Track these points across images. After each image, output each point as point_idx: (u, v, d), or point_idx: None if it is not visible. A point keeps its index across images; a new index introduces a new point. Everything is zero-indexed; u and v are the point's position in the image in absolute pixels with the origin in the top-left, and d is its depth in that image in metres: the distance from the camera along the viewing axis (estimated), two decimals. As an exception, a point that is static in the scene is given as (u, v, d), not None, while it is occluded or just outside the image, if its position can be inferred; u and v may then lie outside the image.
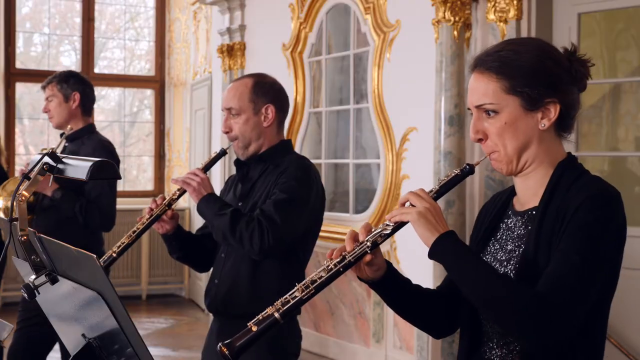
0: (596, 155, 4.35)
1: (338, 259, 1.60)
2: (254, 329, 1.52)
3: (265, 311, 1.54)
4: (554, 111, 1.60)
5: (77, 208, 3.60)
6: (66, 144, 3.80)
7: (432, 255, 1.59)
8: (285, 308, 1.54)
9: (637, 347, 3.93)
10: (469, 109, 1.67)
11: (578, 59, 1.64)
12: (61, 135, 3.83)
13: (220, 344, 1.50)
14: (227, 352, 1.49)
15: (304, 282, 1.58)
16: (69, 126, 3.79)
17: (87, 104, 3.86)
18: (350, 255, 1.60)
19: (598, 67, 4.33)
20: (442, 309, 1.78)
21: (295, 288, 1.57)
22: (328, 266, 1.59)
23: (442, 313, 1.78)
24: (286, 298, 1.56)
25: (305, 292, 1.56)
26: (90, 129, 3.85)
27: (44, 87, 3.88)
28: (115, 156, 3.76)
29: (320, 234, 2.75)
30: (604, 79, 4.31)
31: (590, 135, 4.40)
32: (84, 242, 3.49)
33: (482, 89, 1.62)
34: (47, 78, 3.93)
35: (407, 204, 1.62)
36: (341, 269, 1.59)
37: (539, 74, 1.59)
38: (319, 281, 1.57)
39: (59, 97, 3.81)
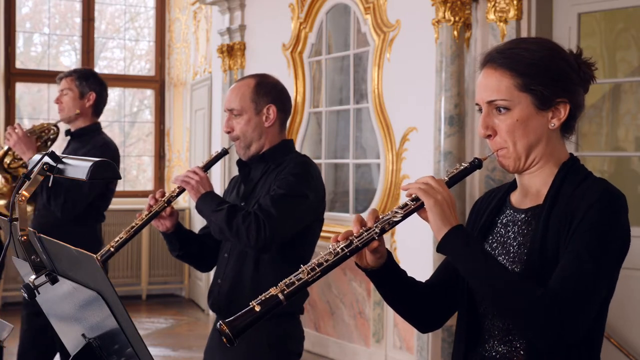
0: (597, 155, 4.35)
1: (345, 243, 1.58)
2: (257, 308, 1.49)
3: (269, 291, 1.52)
4: (563, 111, 1.61)
5: (45, 183, 3.55)
6: (70, 141, 3.83)
7: (440, 248, 1.58)
8: (290, 290, 1.52)
9: (637, 347, 3.93)
10: (477, 104, 1.67)
11: (584, 61, 1.66)
12: (67, 132, 3.85)
13: (220, 321, 1.47)
14: (227, 331, 1.47)
15: (309, 264, 1.55)
16: (70, 127, 3.81)
17: (99, 106, 3.87)
18: (358, 240, 1.58)
19: (598, 67, 4.33)
20: (432, 303, 1.77)
21: (301, 270, 1.54)
22: (335, 249, 1.57)
23: (431, 307, 1.78)
24: (291, 279, 1.53)
25: (311, 274, 1.53)
26: (95, 127, 3.85)
27: (60, 79, 3.85)
28: (111, 156, 3.69)
29: (321, 233, 2.75)
30: (604, 79, 4.31)
31: (590, 135, 4.40)
32: (82, 241, 3.49)
33: (494, 85, 1.62)
34: (66, 71, 3.91)
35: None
36: (348, 253, 1.57)
37: (553, 73, 1.60)
38: (325, 264, 1.55)
39: (75, 92, 3.80)
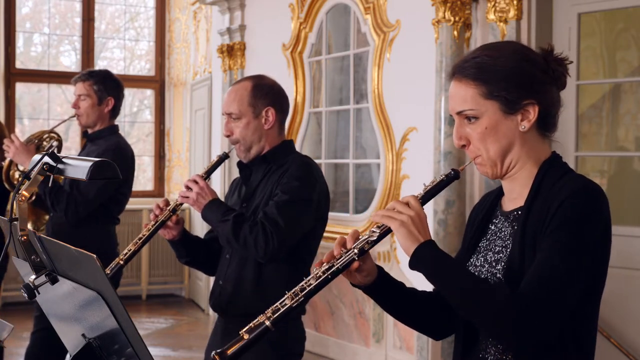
0: (597, 155, 4.34)
1: (326, 267, 1.62)
2: (246, 337, 1.55)
3: (257, 319, 1.57)
4: (533, 112, 1.61)
5: (47, 189, 3.55)
6: (87, 143, 3.83)
7: (411, 265, 1.61)
8: (275, 316, 1.57)
9: (637, 347, 3.93)
10: (450, 115, 1.69)
11: (555, 58, 1.65)
12: (84, 134, 3.86)
13: (213, 352, 1.53)
14: None
15: (293, 290, 1.61)
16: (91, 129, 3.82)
17: (117, 109, 3.86)
18: (338, 263, 1.62)
19: (598, 67, 4.33)
20: (437, 311, 1.78)
21: (286, 296, 1.60)
22: (317, 274, 1.62)
23: (438, 315, 1.79)
24: (276, 306, 1.59)
25: (295, 299, 1.59)
26: (112, 130, 3.83)
27: (76, 82, 3.80)
28: (122, 158, 3.68)
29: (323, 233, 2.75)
30: (604, 79, 4.31)
31: (591, 135, 4.40)
32: (99, 242, 3.50)
33: (460, 95, 1.63)
34: (82, 74, 3.85)
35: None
36: (329, 276, 1.61)
37: (515, 76, 1.60)
38: (307, 289, 1.60)
39: (93, 98, 3.76)
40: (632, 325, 3.94)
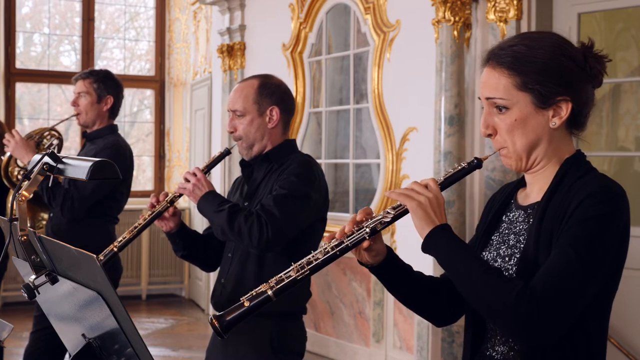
0: (598, 155, 4.35)
1: (335, 243, 1.59)
2: (247, 304, 1.52)
3: (259, 287, 1.54)
4: (565, 109, 1.57)
5: (44, 185, 3.55)
6: (86, 142, 3.84)
7: (424, 248, 1.58)
8: (279, 286, 1.54)
9: (637, 347, 3.93)
10: (479, 98, 1.66)
11: (594, 55, 1.60)
12: (84, 134, 3.86)
13: (211, 316, 1.52)
14: (217, 325, 1.51)
15: (299, 262, 1.58)
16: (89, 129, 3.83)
17: (116, 108, 3.87)
18: (348, 240, 1.59)
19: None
20: (443, 297, 1.76)
21: (291, 268, 1.57)
22: (325, 249, 1.59)
23: (443, 301, 1.76)
24: (281, 277, 1.56)
25: (300, 272, 1.56)
26: (111, 129, 3.84)
27: (76, 80, 3.83)
28: (120, 157, 3.69)
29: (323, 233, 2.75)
30: (604, 79, 4.30)
31: (591, 135, 4.40)
32: (99, 241, 3.50)
33: (493, 83, 1.59)
34: (82, 72, 3.87)
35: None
36: (338, 253, 1.58)
37: (552, 71, 1.56)
38: (314, 262, 1.57)
39: (92, 96, 3.78)
40: (632, 325, 3.94)
